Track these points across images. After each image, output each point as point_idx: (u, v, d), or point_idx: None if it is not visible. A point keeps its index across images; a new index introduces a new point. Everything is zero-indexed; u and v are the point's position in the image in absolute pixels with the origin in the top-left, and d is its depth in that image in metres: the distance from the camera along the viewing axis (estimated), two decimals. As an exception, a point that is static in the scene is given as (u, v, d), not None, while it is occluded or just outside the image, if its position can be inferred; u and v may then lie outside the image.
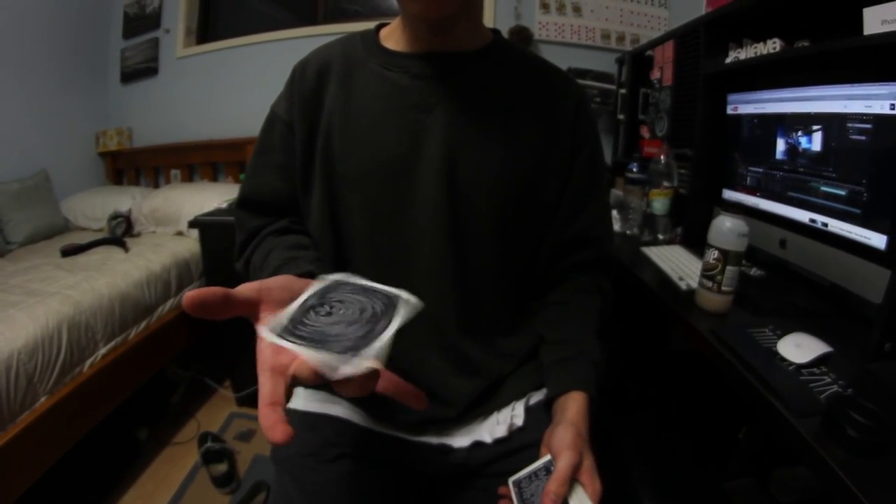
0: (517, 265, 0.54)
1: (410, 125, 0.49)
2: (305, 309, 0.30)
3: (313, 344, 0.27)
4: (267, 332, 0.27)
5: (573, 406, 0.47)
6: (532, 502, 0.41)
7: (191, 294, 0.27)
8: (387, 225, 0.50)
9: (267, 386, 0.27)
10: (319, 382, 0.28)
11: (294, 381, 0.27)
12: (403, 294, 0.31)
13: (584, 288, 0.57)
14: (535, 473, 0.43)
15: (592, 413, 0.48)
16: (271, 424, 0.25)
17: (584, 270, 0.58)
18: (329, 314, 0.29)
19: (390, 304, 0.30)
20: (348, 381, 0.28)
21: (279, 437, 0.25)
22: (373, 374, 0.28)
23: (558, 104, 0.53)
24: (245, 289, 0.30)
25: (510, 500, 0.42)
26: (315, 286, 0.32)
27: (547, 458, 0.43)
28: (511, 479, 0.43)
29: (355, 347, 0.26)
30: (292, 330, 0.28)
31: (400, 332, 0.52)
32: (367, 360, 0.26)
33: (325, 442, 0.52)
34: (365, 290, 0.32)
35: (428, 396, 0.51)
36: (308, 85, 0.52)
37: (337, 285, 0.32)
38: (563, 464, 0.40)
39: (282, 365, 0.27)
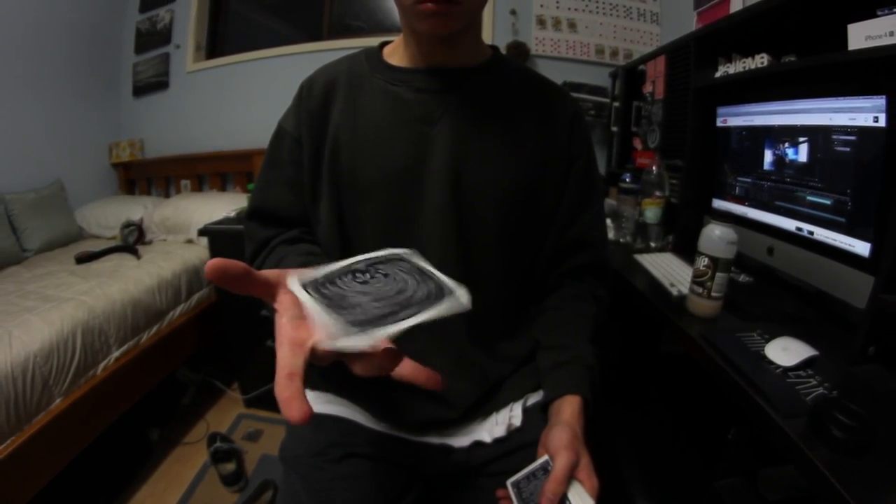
0: (519, 271, 0.56)
1: (415, 137, 0.50)
2: (345, 271, 0.27)
3: (328, 305, 0.24)
4: (293, 281, 0.25)
5: (568, 408, 0.48)
6: (532, 501, 0.42)
7: (214, 261, 0.25)
8: (395, 234, 0.51)
9: (286, 358, 0.25)
10: (336, 358, 0.26)
11: (313, 355, 0.26)
12: (458, 289, 0.27)
13: (580, 295, 0.58)
14: (533, 474, 0.44)
15: (587, 415, 0.49)
16: (288, 397, 0.23)
17: (580, 276, 0.59)
18: (365, 283, 0.26)
19: (436, 295, 0.26)
20: (363, 357, 0.27)
21: (296, 414, 0.22)
22: (391, 356, 0.27)
23: (555, 117, 0.55)
24: (266, 271, 0.29)
25: (509, 501, 0.43)
26: (371, 254, 0.28)
27: (544, 458, 0.44)
28: (509, 482, 0.44)
29: (365, 324, 0.24)
30: (318, 286, 0.25)
31: (410, 335, 0.53)
32: (367, 340, 0.23)
33: (332, 442, 0.54)
34: (421, 272, 0.28)
35: (431, 398, 0.52)
36: (315, 101, 0.54)
37: (393, 259, 0.29)
38: (561, 464, 0.41)
39: (301, 339, 0.26)
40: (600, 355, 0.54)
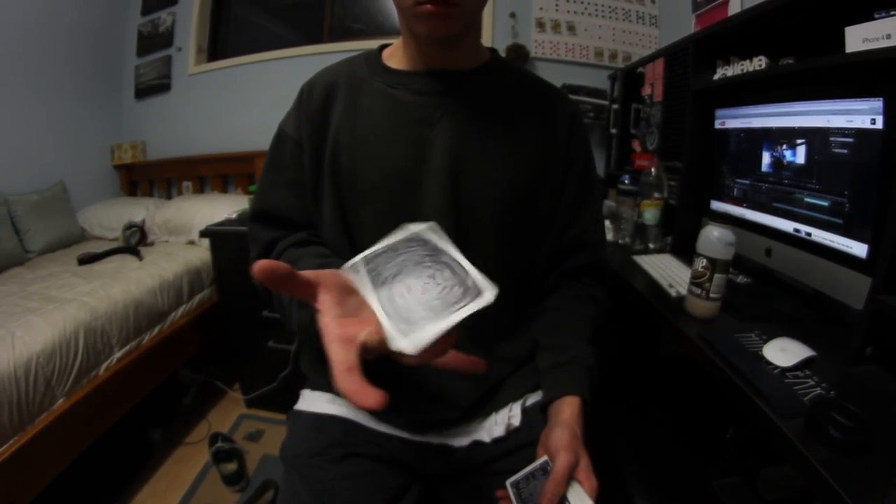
0: (518, 272, 0.56)
1: (415, 139, 0.51)
2: (391, 249, 0.29)
3: (386, 306, 0.26)
4: (350, 269, 0.27)
5: (568, 409, 0.48)
6: (531, 501, 0.42)
7: (263, 262, 0.28)
8: None
9: (339, 353, 0.26)
10: (386, 353, 0.28)
11: (364, 349, 0.27)
12: (486, 289, 0.29)
13: (578, 296, 0.58)
14: (532, 474, 0.44)
15: (586, 415, 0.49)
16: (358, 390, 0.25)
17: (578, 277, 0.60)
18: (409, 289, 0.28)
19: (468, 293, 0.29)
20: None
21: (371, 401, 0.24)
22: (444, 340, 0.28)
23: (553, 119, 0.55)
24: (306, 272, 0.31)
25: (509, 501, 0.43)
26: (391, 239, 0.31)
27: (543, 458, 0.44)
28: (509, 482, 0.44)
29: (409, 322, 0.26)
30: (390, 298, 0.27)
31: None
32: (405, 344, 0.25)
33: (332, 442, 0.54)
34: (443, 261, 0.30)
35: (432, 399, 0.53)
36: (315, 104, 0.54)
37: (421, 244, 0.31)
38: (560, 464, 0.42)
39: (350, 335, 0.28)
40: (599, 356, 0.55)
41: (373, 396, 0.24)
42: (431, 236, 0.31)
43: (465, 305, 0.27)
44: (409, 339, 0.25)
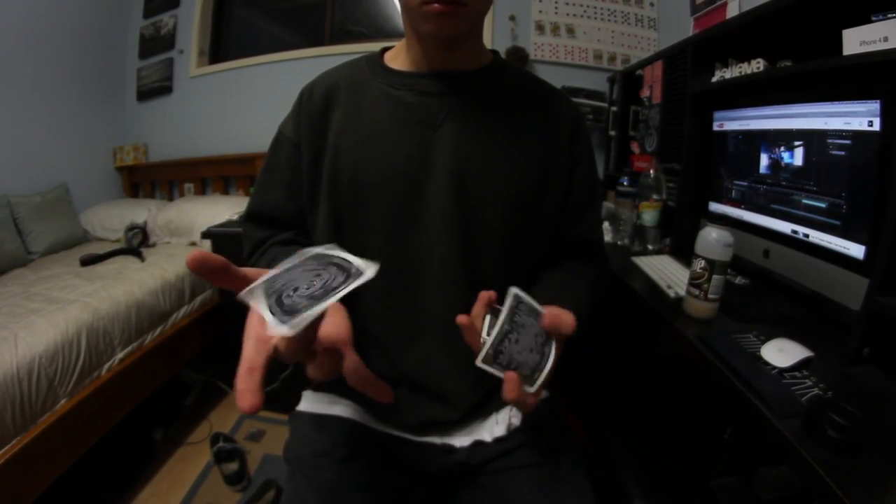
0: (520, 273, 0.56)
1: (418, 141, 0.51)
2: (284, 271, 0.29)
3: (272, 306, 0.27)
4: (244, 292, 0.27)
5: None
6: (517, 329, 0.38)
7: (195, 252, 0.27)
8: (398, 238, 0.51)
9: (250, 352, 0.27)
10: (297, 358, 0.28)
11: (276, 352, 0.28)
12: (366, 266, 0.30)
13: (577, 265, 0.58)
14: (535, 311, 0.40)
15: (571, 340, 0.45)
16: (244, 389, 0.26)
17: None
18: (296, 289, 0.29)
19: (347, 275, 0.29)
20: (313, 359, 0.28)
21: (246, 404, 0.25)
22: (336, 354, 0.29)
23: (557, 121, 0.55)
24: (246, 269, 0.31)
25: (477, 332, 0.39)
26: (295, 258, 0.31)
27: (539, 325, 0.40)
28: (515, 290, 0.39)
29: (291, 313, 0.26)
30: (267, 292, 0.28)
31: (412, 341, 0.51)
32: (284, 328, 0.25)
33: (336, 442, 0.54)
34: (331, 262, 0.31)
35: (433, 399, 0.54)
36: (315, 107, 0.54)
37: (314, 258, 0.31)
38: (562, 316, 0.39)
39: (266, 336, 0.28)
40: (593, 307, 0.54)
41: (249, 401, 0.25)
42: (325, 251, 0.32)
43: (345, 286, 0.28)
44: (288, 325, 0.25)
